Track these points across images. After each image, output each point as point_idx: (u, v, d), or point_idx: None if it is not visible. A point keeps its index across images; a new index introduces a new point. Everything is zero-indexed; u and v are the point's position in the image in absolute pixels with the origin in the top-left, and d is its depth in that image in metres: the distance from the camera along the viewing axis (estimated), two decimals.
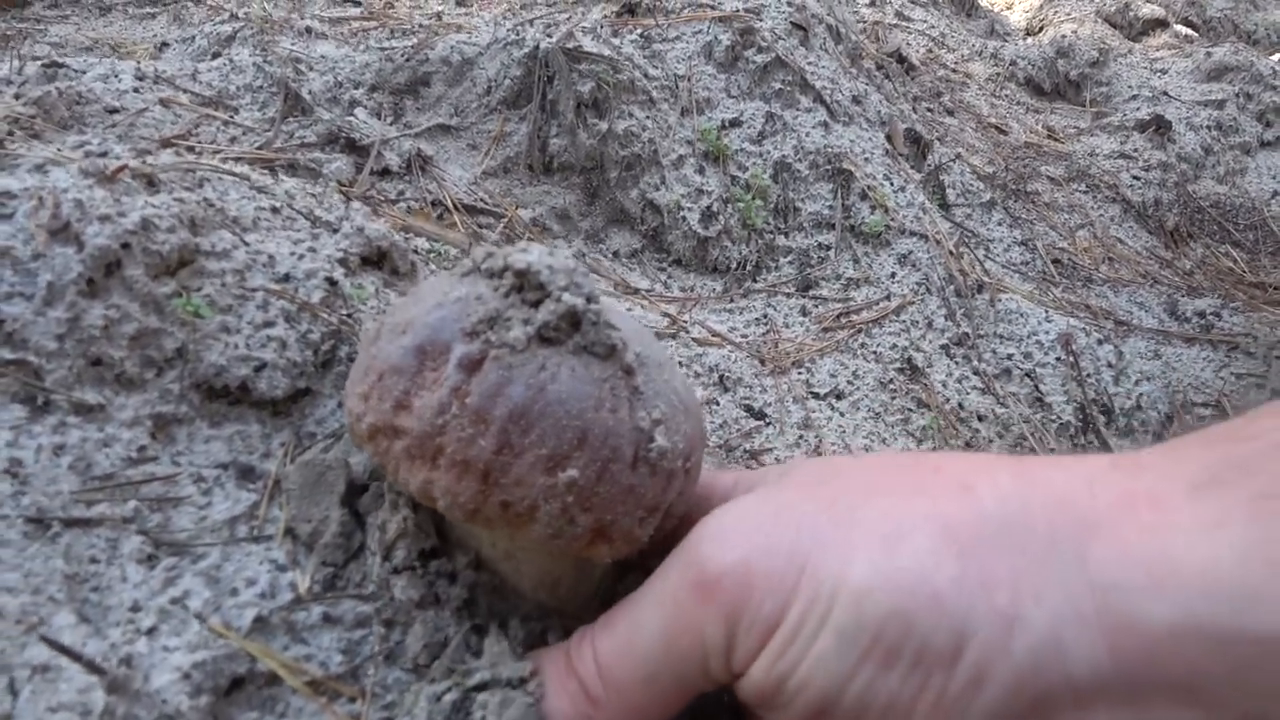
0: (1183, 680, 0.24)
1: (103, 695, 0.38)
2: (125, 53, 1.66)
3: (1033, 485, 0.27)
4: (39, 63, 1.21)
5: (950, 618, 0.24)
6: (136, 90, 1.16)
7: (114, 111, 1.11)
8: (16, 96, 1.12)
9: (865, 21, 2.13)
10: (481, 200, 1.07)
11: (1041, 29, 2.51)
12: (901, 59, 2.00)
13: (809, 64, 1.27)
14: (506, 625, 0.43)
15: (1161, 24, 2.60)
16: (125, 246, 0.56)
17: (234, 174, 0.77)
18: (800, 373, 0.96)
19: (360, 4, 1.90)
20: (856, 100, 1.28)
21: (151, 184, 0.66)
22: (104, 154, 0.82)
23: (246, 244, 0.64)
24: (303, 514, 0.50)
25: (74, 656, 0.40)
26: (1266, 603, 0.23)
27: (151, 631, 0.43)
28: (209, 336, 0.57)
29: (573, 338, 0.38)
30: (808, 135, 1.17)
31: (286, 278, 0.62)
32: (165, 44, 1.65)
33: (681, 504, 0.39)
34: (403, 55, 1.21)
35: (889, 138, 1.28)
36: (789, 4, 1.33)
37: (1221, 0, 3.78)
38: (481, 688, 0.39)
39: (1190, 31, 2.64)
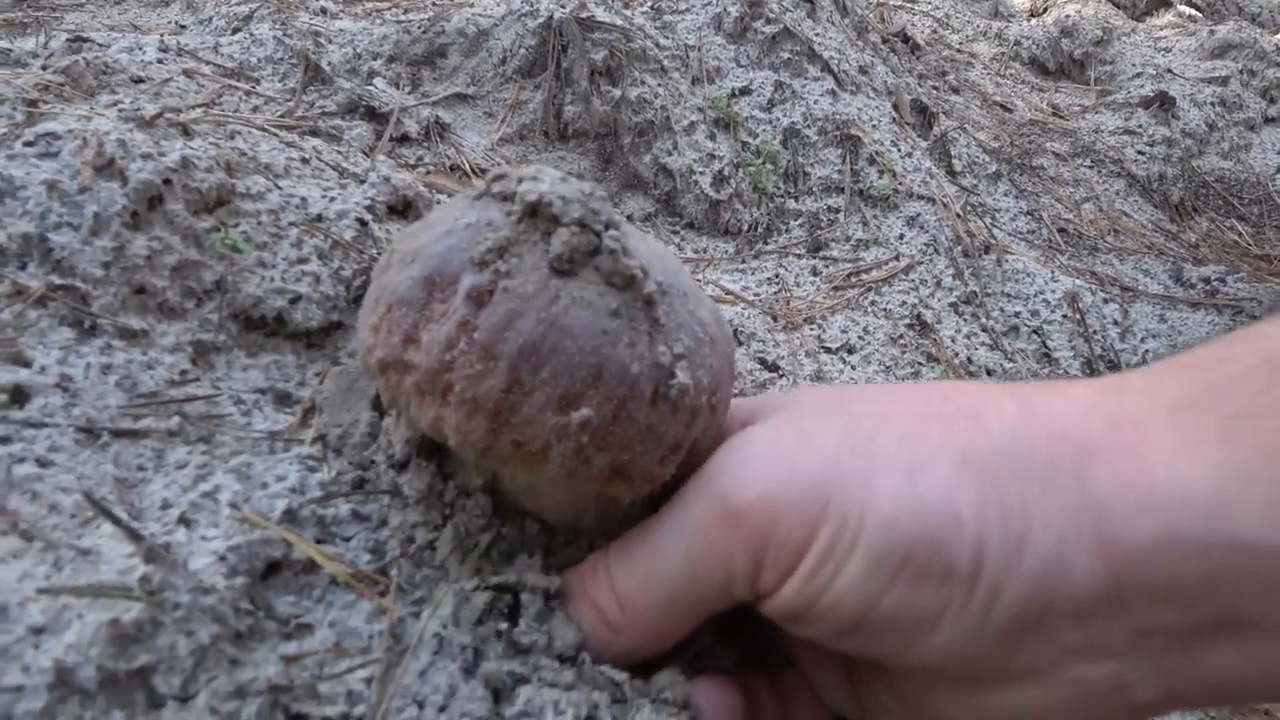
0: (1163, 586, 0.26)
1: (141, 565, 0.40)
2: (145, 33, 1.68)
3: (1033, 414, 0.29)
4: (64, 37, 1.24)
5: (971, 541, 0.27)
6: (160, 61, 1.19)
7: (139, 81, 1.14)
8: (44, 68, 1.14)
9: (870, 3, 2.15)
10: (498, 165, 1.09)
11: (1045, 10, 2.52)
12: (906, 38, 2.02)
13: (816, 35, 1.29)
14: (533, 540, 0.42)
15: (1165, 4, 2.61)
16: (167, 183, 0.59)
17: (263, 129, 0.79)
18: (812, 329, 0.98)
19: None
20: (863, 71, 1.30)
21: (187, 133, 0.69)
22: (137, 110, 0.85)
23: (279, 188, 0.66)
24: (334, 419, 0.51)
25: (116, 520, 0.42)
26: (1235, 513, 0.26)
27: (188, 522, 0.45)
28: (246, 270, 0.60)
29: (587, 268, 0.36)
30: (816, 103, 1.19)
31: (319, 218, 0.65)
32: (183, 26, 1.67)
33: (708, 439, 0.38)
34: (419, 27, 1.23)
35: (895, 107, 1.30)
36: None
37: None
38: (511, 590, 0.40)
39: (1193, 11, 2.65)
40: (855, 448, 0.30)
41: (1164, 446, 0.27)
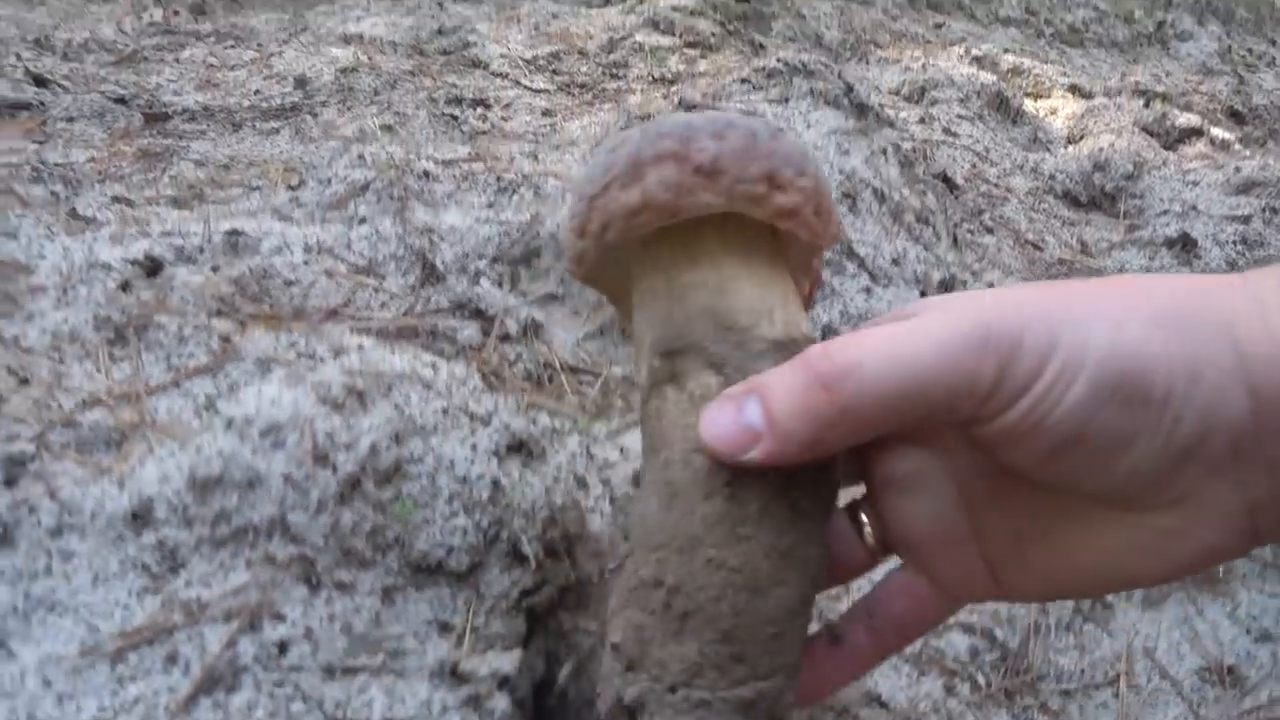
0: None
1: None
2: (262, 175, 1.96)
3: (1190, 288, 0.36)
4: (223, 232, 1.51)
5: (1163, 376, 0.33)
6: (305, 263, 1.45)
7: (291, 284, 1.40)
8: (214, 269, 1.41)
9: (915, 139, 2.36)
10: (582, 361, 1.32)
11: (1082, 138, 2.71)
12: (947, 179, 2.23)
13: (855, 231, 1.50)
14: None
15: (1197, 132, 2.78)
16: (362, 469, 0.82)
17: (407, 375, 1.04)
18: None
19: (468, 142, 2.19)
20: (895, 261, 1.52)
21: (362, 400, 0.93)
22: (311, 354, 1.10)
23: (432, 448, 0.90)
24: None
25: None
26: None
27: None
28: (415, 528, 0.83)
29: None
30: (851, 300, 1.41)
31: (464, 480, 0.88)
32: (301, 181, 1.95)
33: (827, 242, 0.42)
34: (518, 229, 1.48)
35: (923, 294, 1.51)
36: (840, 173, 1.57)
37: (1272, 80, 3.92)
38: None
39: (1227, 135, 2.81)
40: (1070, 307, 0.35)
41: None
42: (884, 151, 1.91)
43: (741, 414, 0.36)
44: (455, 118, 2.24)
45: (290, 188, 1.84)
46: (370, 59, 2.45)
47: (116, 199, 1.64)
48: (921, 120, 2.41)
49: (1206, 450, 0.33)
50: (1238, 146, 2.83)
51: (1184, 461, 0.33)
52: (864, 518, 0.42)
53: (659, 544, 0.37)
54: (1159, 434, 0.33)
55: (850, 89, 2.26)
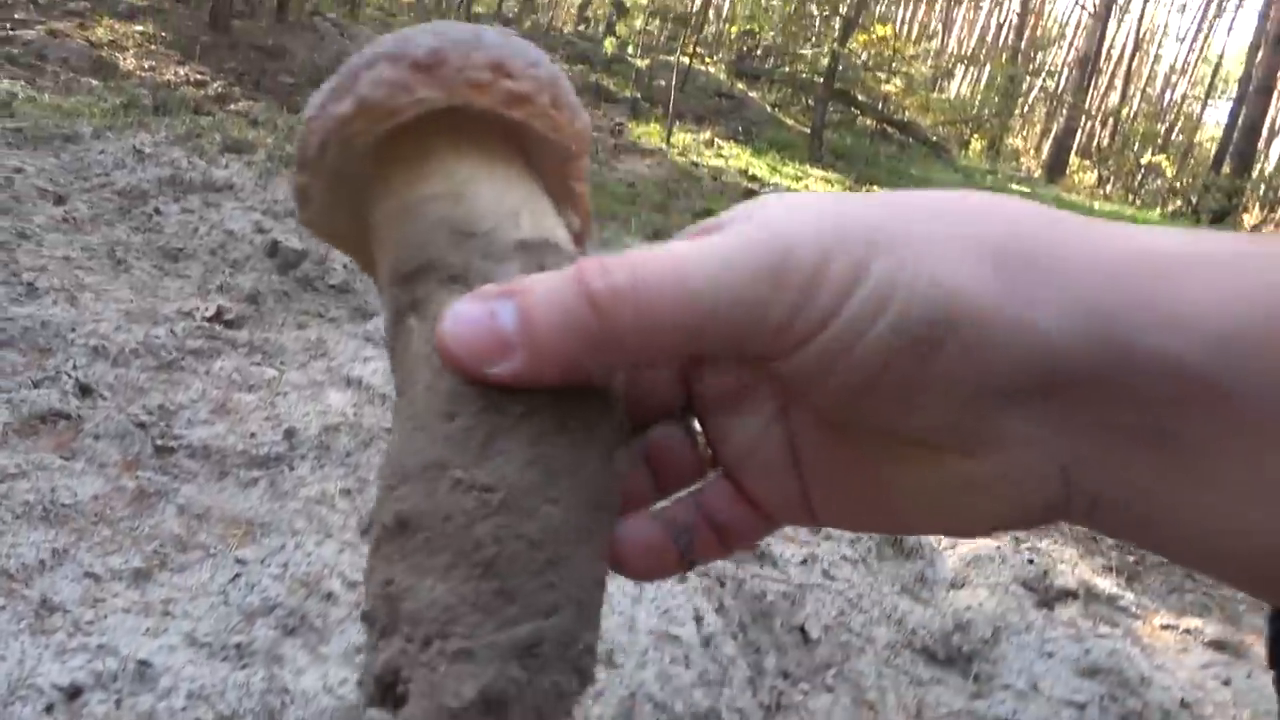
0: (1126, 388, 0.28)
1: None
2: (223, 537, 2.36)
3: (1056, 225, 0.30)
4: (135, 661, 1.88)
5: (986, 323, 0.29)
6: (184, 709, 1.81)
7: None
8: (118, 702, 1.78)
9: (790, 583, 2.70)
10: None
11: (964, 584, 3.02)
12: (803, 631, 2.55)
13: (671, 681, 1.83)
14: None
15: (1073, 595, 3.08)
16: None
17: None
18: None
19: None
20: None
21: None
22: None
23: None
24: None
25: None
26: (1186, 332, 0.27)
27: None
28: None
29: None
30: None
31: None
32: (251, 546, 2.34)
33: (573, 145, 0.37)
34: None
35: None
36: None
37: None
38: None
39: (1112, 589, 3.10)
40: (894, 233, 0.30)
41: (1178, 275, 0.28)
42: (737, 615, 2.25)
43: (494, 317, 0.30)
44: None
45: (238, 561, 2.23)
46: (357, 413, 2.91)
47: (88, 574, 2.05)
48: (804, 561, 2.75)
49: (1026, 399, 0.29)
50: (1120, 595, 3.11)
51: (996, 408, 0.30)
52: (696, 424, 0.38)
53: (398, 481, 0.30)
54: (965, 378, 0.29)
55: None
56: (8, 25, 7.74)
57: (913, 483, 0.33)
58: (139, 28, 8.51)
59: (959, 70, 26.81)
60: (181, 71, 7.65)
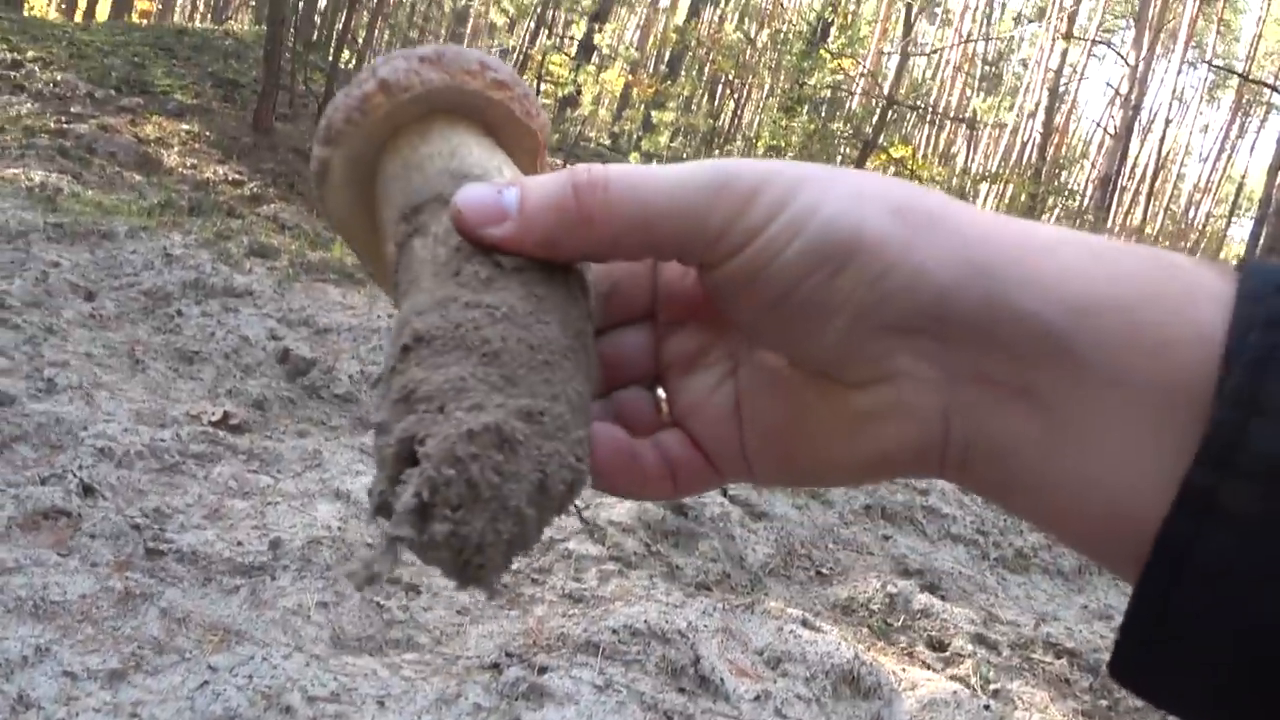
0: (1000, 341, 0.32)
1: None
2: (199, 643, 2.47)
3: (950, 203, 0.35)
4: None
5: (886, 258, 0.33)
6: None
7: None
8: None
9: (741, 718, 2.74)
10: None
11: None
12: None
13: None
14: None
15: None
16: None
17: None
18: None
19: (383, 631, 2.68)
20: None
21: None
22: None
23: None
24: None
25: None
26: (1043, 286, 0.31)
27: None
28: None
29: None
30: None
31: None
32: (226, 651, 2.43)
33: (538, 131, 0.46)
34: None
35: None
36: None
37: None
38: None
39: None
40: (822, 174, 0.35)
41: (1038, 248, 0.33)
42: None
43: (500, 194, 0.37)
44: (381, 605, 2.76)
45: (210, 668, 2.33)
46: (343, 527, 3.03)
47: (66, 672, 2.16)
48: (757, 698, 2.81)
49: (918, 335, 0.33)
50: None
51: (888, 341, 0.33)
52: (660, 391, 0.44)
53: (413, 316, 0.35)
54: (865, 305, 0.33)
55: (697, 660, 2.71)
56: (64, 119, 8.20)
57: (816, 421, 0.37)
58: (185, 126, 8.96)
59: (983, 187, 27.26)
60: (221, 170, 8.03)
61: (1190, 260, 0.32)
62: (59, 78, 9.50)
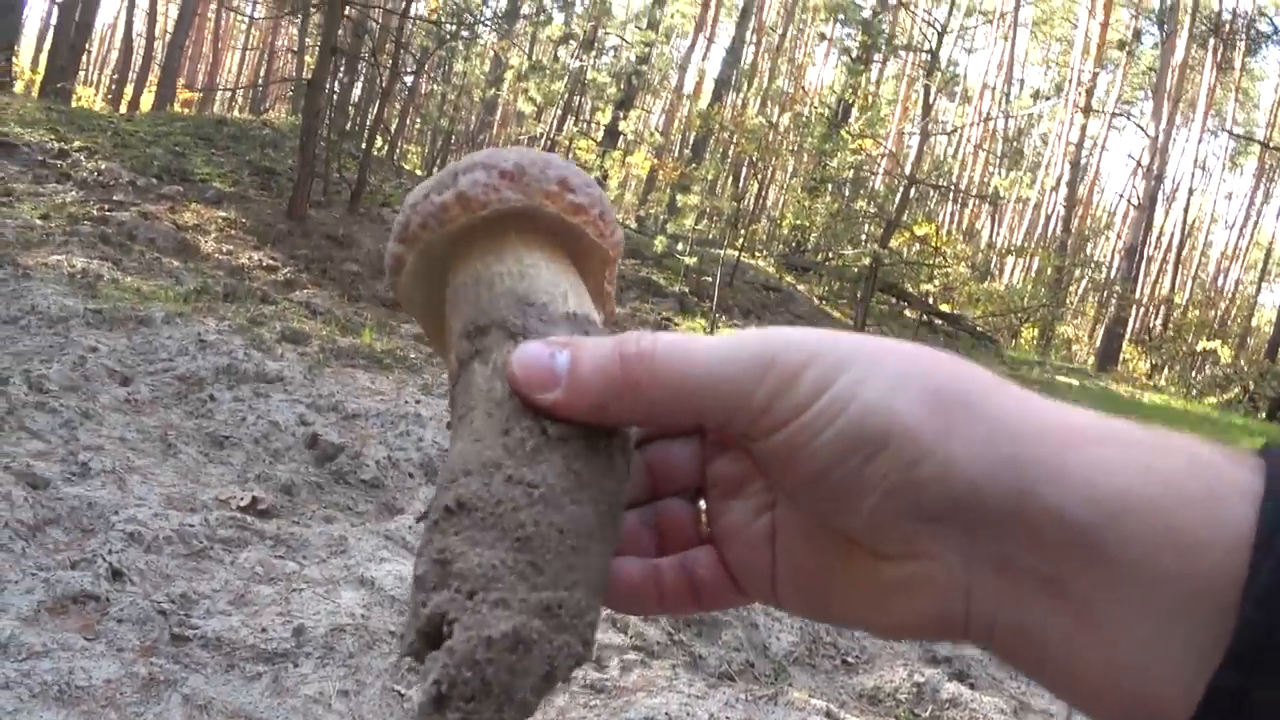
0: (1025, 533, 0.33)
1: None
2: None
3: (990, 386, 0.37)
4: None
5: (913, 442, 0.34)
6: None
7: None
8: None
9: None
10: None
11: None
12: None
13: None
14: None
15: None
16: None
17: None
18: None
19: None
20: None
21: None
22: None
23: None
24: None
25: None
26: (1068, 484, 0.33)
27: None
28: None
29: None
30: None
31: None
32: None
33: (610, 249, 0.47)
34: None
35: None
36: None
37: None
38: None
39: None
40: (858, 353, 0.37)
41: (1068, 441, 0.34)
42: None
43: (552, 358, 0.39)
44: (402, 694, 2.76)
45: None
46: (366, 615, 3.05)
47: None
48: None
49: (950, 523, 0.34)
50: None
51: (915, 523, 0.35)
52: (702, 504, 0.45)
53: (459, 475, 0.38)
54: (896, 490, 0.35)
55: None
56: (106, 206, 8.47)
57: (847, 577, 0.39)
58: (223, 213, 9.23)
59: (1009, 260, 27.28)
60: (256, 256, 8.24)
61: (1224, 454, 0.33)
62: (103, 166, 9.85)
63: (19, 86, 18.05)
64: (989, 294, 19.38)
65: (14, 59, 16.40)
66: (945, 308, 16.79)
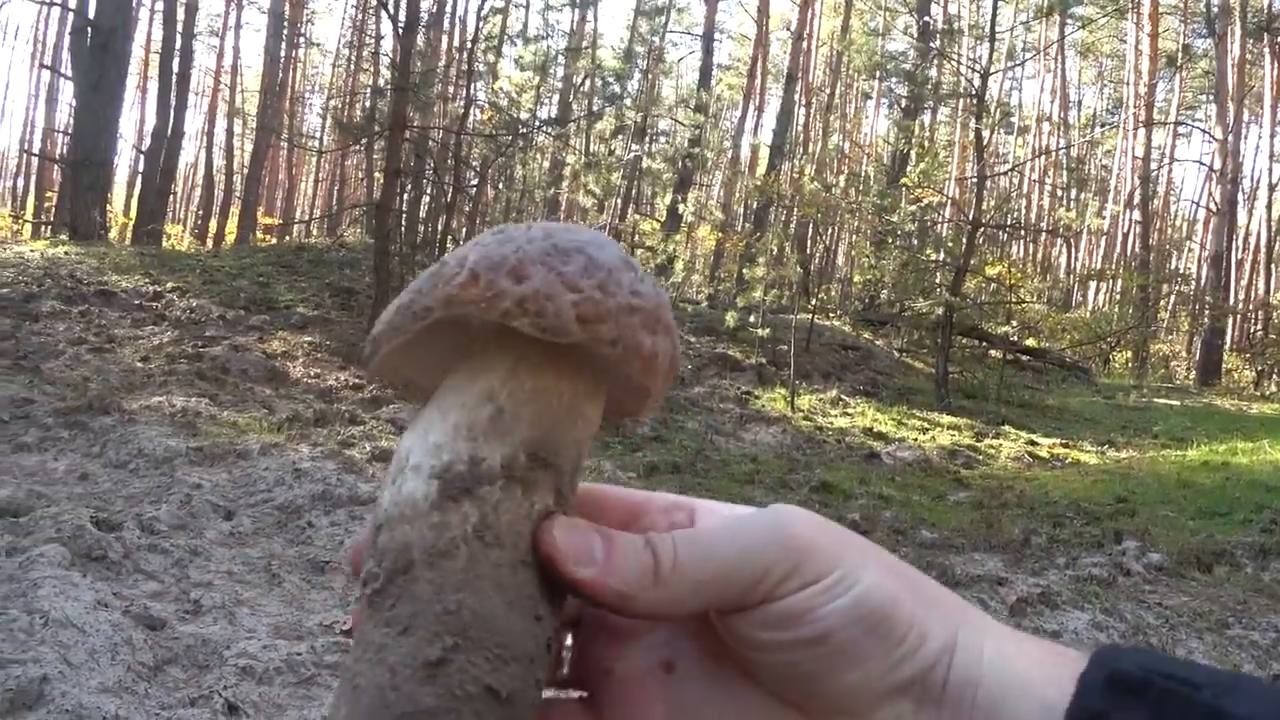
0: None
1: None
2: None
3: (975, 619, 0.42)
4: None
5: (908, 625, 0.40)
6: None
7: None
8: None
9: None
10: None
11: None
12: None
13: None
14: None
15: None
16: None
17: None
18: None
19: None
20: None
21: None
22: None
23: None
24: None
25: None
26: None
27: None
28: None
29: None
30: None
31: None
32: None
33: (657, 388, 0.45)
34: None
35: None
36: None
37: None
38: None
39: None
40: (861, 545, 0.43)
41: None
42: None
43: (590, 545, 0.42)
44: None
45: None
46: None
47: None
48: None
49: (921, 694, 0.39)
50: None
51: (899, 696, 0.40)
52: (569, 643, 0.47)
53: (500, 640, 0.39)
54: (887, 665, 0.39)
55: None
56: (199, 343, 8.94)
57: None
58: (308, 337, 9.65)
59: (1090, 286, 26.57)
60: (341, 377, 8.57)
61: (1085, 653, 0.40)
62: (194, 304, 10.41)
63: (114, 232, 19.25)
64: (1074, 323, 18.92)
65: (108, 208, 17.55)
66: (1030, 343, 16.44)
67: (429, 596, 0.39)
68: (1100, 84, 38.59)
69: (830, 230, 19.03)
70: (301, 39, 31.75)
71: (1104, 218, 31.28)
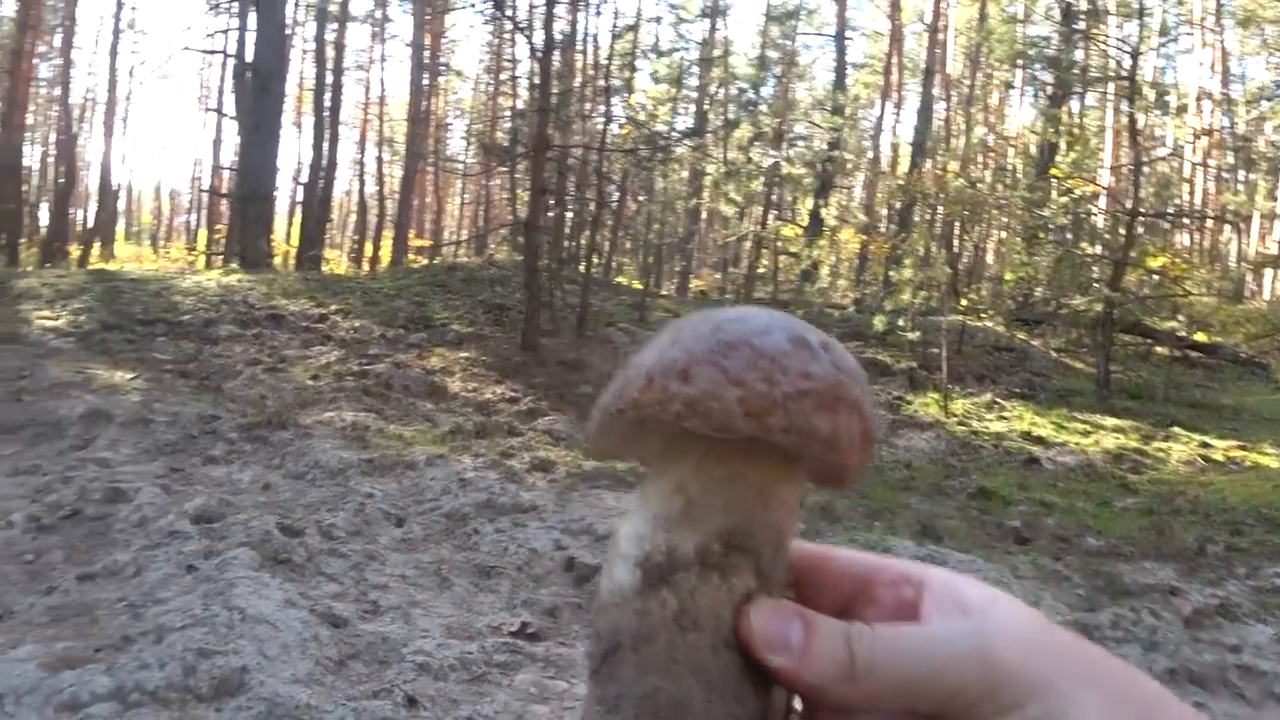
0: None
1: None
2: None
3: (1157, 692, 0.41)
4: None
5: None
6: None
7: None
8: None
9: None
10: None
11: None
12: None
13: None
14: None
15: None
16: None
17: None
18: None
19: None
20: None
21: None
22: None
23: None
24: None
25: None
26: None
27: None
28: None
29: None
30: None
31: None
32: None
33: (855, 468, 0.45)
34: None
35: None
36: None
37: None
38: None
39: None
40: (1069, 671, 0.39)
41: None
42: None
43: (789, 630, 0.41)
44: None
45: None
46: None
47: None
48: None
49: None
50: None
51: None
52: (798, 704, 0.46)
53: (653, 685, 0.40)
54: None
55: None
56: (364, 360, 9.45)
57: None
58: (464, 353, 10.06)
59: (1266, 272, 24.76)
60: (498, 390, 8.91)
61: None
62: (356, 324, 11.01)
63: (278, 260, 20.52)
64: (1248, 315, 17.71)
65: (273, 238, 18.75)
66: (1200, 338, 15.50)
67: (632, 679, 0.41)
68: (1266, 54, 35.93)
69: (978, 227, 18.45)
70: (443, 67, 33.02)
71: (1276, 199, 29.14)
